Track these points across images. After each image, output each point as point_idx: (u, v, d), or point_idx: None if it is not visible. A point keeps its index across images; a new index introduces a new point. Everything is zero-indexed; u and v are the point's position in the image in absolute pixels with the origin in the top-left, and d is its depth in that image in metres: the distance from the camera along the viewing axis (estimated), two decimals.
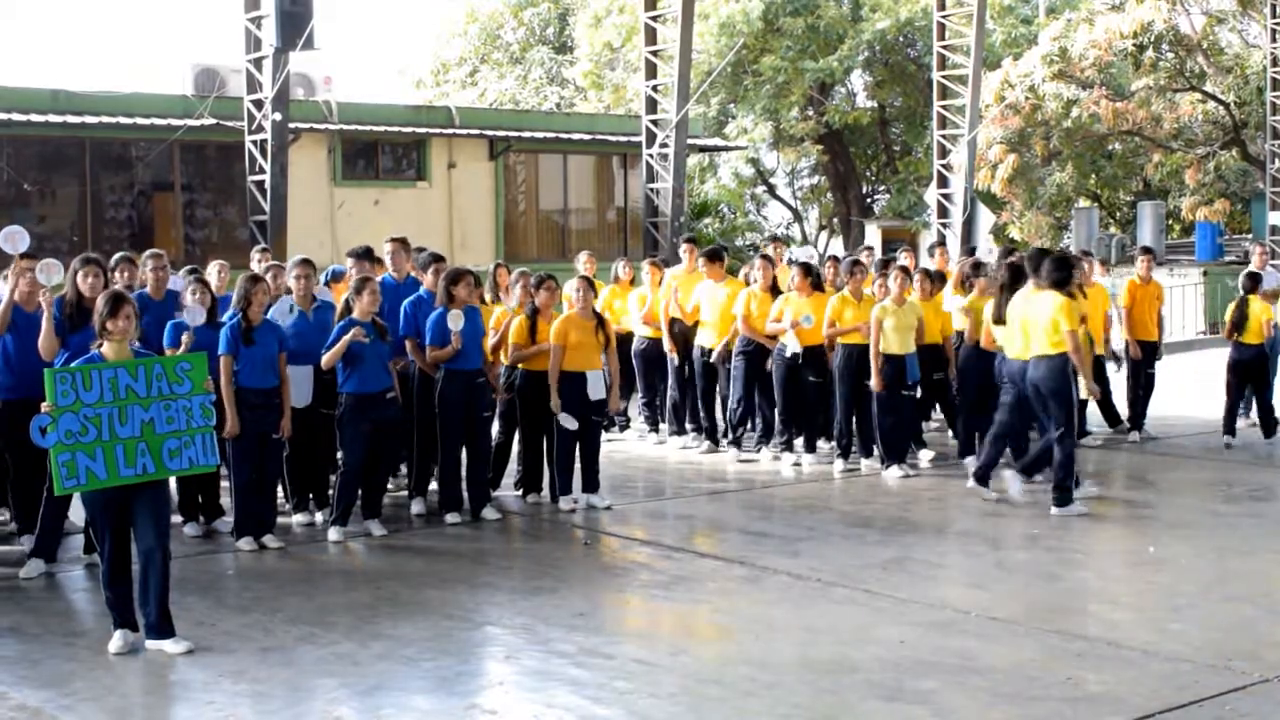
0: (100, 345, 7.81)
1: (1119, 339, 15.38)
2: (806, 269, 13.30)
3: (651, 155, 21.98)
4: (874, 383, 12.70)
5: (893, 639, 7.86)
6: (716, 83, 32.43)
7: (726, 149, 33.51)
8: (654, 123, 22.00)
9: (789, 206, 44.33)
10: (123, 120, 19.12)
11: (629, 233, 24.08)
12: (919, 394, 13.43)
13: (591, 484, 11.60)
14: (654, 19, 22.25)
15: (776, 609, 8.62)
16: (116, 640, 7.63)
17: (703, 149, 29.80)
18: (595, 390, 11.48)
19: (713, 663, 7.56)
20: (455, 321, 10.76)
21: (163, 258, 11.20)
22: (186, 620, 7.86)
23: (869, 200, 42.23)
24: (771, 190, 43.70)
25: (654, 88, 22.19)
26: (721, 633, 8.26)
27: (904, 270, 13.57)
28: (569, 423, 11.31)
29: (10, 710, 6.79)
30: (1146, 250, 16.02)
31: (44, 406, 7.43)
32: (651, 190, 22.08)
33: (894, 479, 12.71)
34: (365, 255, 12.01)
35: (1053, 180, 34.45)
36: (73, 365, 7.73)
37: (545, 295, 11.65)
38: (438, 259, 11.77)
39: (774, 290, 13.50)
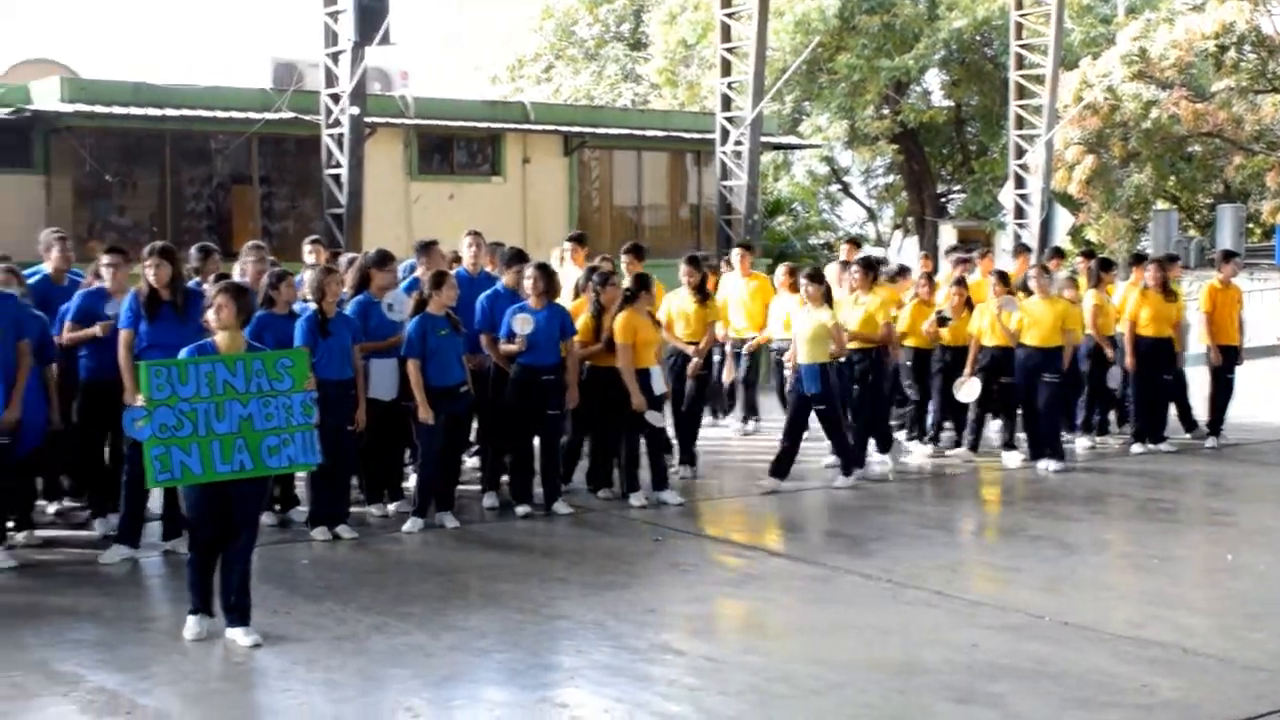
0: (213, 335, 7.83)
1: (1199, 343, 15.20)
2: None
3: (725, 152, 21.96)
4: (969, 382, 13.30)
5: (964, 641, 7.82)
6: (791, 80, 32.30)
7: (800, 147, 33.38)
8: (728, 120, 21.97)
9: (863, 205, 44.13)
10: (202, 113, 19.31)
11: (702, 230, 24.05)
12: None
13: (661, 481, 11.61)
14: (729, 16, 22.21)
15: (846, 609, 8.59)
16: (192, 626, 7.73)
17: (777, 147, 29.71)
18: (658, 385, 11.52)
19: (782, 661, 7.54)
20: (523, 326, 10.80)
21: (263, 249, 11.33)
22: (262, 609, 7.93)
23: (943, 200, 41.95)
24: (846, 189, 43.51)
25: (729, 85, 22.16)
26: (790, 632, 8.25)
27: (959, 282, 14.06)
28: (656, 420, 11.34)
29: (88, 693, 6.89)
30: (1231, 254, 15.83)
31: (139, 399, 7.48)
32: (725, 188, 22.06)
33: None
34: (425, 249, 12.03)
35: (1131, 182, 34.06)
36: (180, 357, 7.72)
37: (610, 292, 11.67)
38: (520, 256, 11.81)
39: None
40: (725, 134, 22.09)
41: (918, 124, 37.52)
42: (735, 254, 15.20)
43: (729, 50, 22.29)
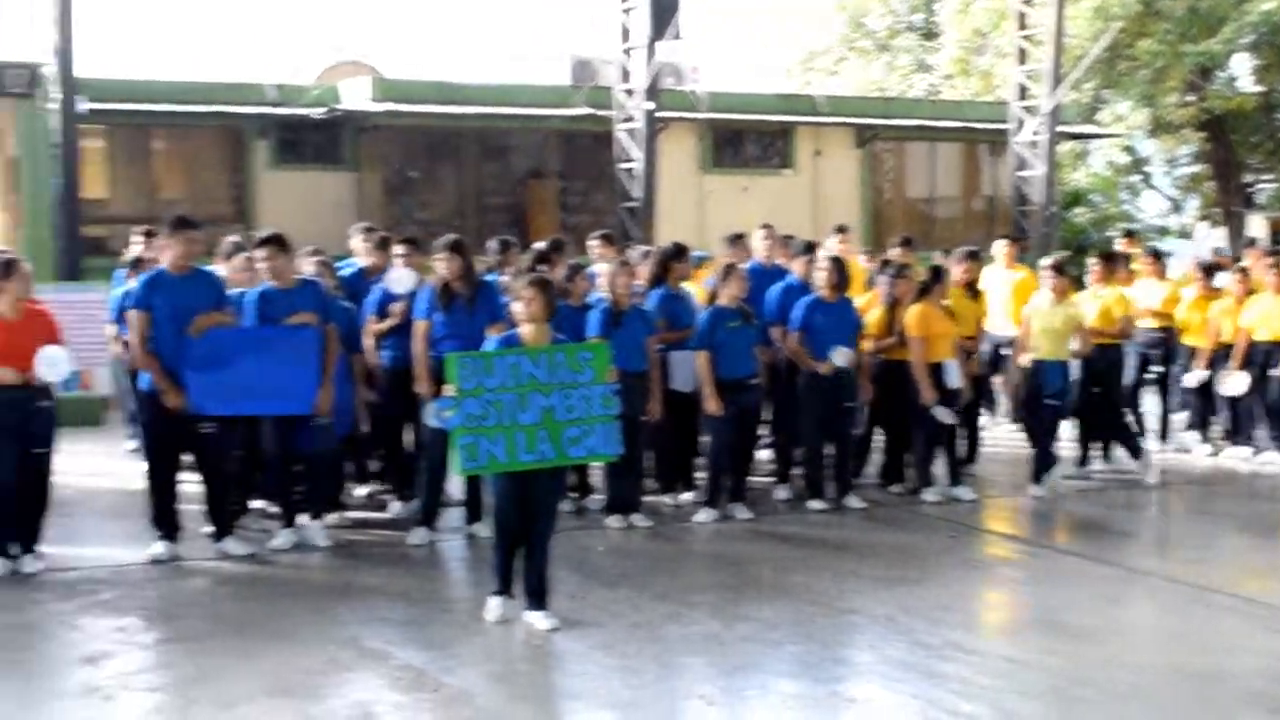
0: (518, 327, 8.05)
1: None
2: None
3: (1021, 143, 21.53)
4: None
5: (1273, 649, 7.51)
6: (1090, 68, 31.36)
7: (1099, 136, 32.45)
8: (1024, 109, 21.54)
9: (1166, 196, 42.59)
10: (503, 110, 19.84)
11: (996, 222, 23.60)
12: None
13: (955, 476, 11.46)
14: (1025, 3, 21.76)
15: (1145, 611, 8.37)
16: (494, 608, 7.96)
17: (1074, 136, 28.94)
18: (952, 379, 11.34)
19: (1083, 663, 7.36)
20: (843, 359, 10.75)
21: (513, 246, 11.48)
22: (560, 594, 8.11)
23: (1250, 190, 40.17)
24: (1147, 179, 42.06)
25: (1025, 73, 21.71)
26: (1089, 633, 8.02)
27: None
28: (946, 416, 11.19)
29: (396, 669, 7.17)
30: None
31: (447, 389, 7.77)
32: (1020, 179, 21.64)
33: None
34: (734, 241, 12.15)
35: None
36: (486, 350, 7.99)
37: (904, 285, 11.56)
38: (811, 249, 11.82)
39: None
40: (1021, 124, 21.66)
41: (1224, 111, 36.01)
42: (999, 246, 14.56)
43: (1025, 38, 21.85)
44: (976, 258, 12.71)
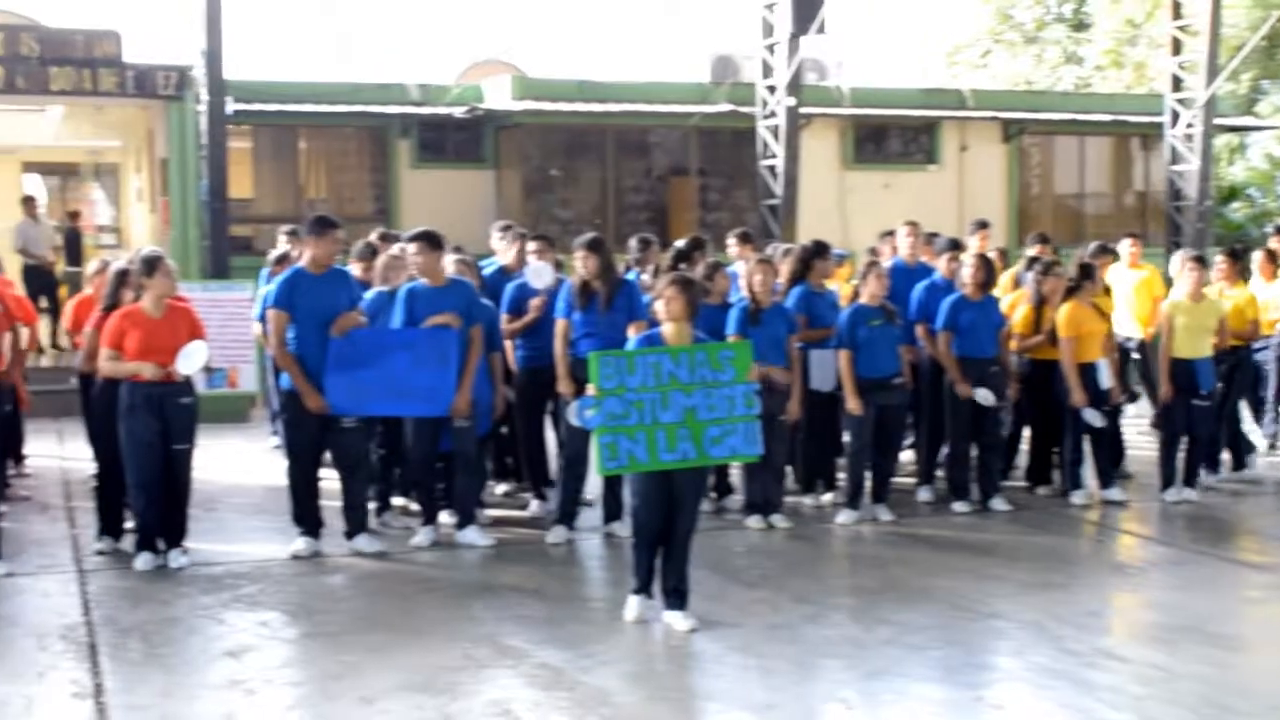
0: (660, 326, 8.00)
1: None
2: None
3: (1175, 136, 20.98)
4: None
5: None
6: (1248, 58, 30.54)
7: (1258, 129, 31.54)
8: (1179, 102, 20.98)
9: None
10: (642, 108, 19.82)
11: (1148, 218, 23.04)
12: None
13: (1105, 478, 11.18)
14: None
15: None
16: (633, 606, 7.91)
17: (1231, 129, 28.13)
18: (1104, 380, 11.06)
19: (1236, 673, 7.13)
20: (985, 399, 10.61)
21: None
22: (698, 594, 8.02)
23: None
24: None
25: (1179, 65, 21.16)
26: (1242, 642, 7.77)
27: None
28: (1096, 419, 10.91)
29: (533, 668, 7.15)
30: None
31: (589, 389, 7.73)
32: (1174, 173, 21.08)
33: None
34: (885, 239, 11.96)
35: None
36: (628, 349, 7.96)
37: (1052, 283, 11.30)
38: (956, 246, 11.62)
39: None
40: (1175, 117, 21.09)
41: None
42: (1124, 244, 13.89)
43: (1180, 28, 21.27)
44: (1110, 253, 12.40)
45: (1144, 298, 13.50)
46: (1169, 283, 12.71)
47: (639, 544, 7.92)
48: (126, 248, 20.29)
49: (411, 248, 9.57)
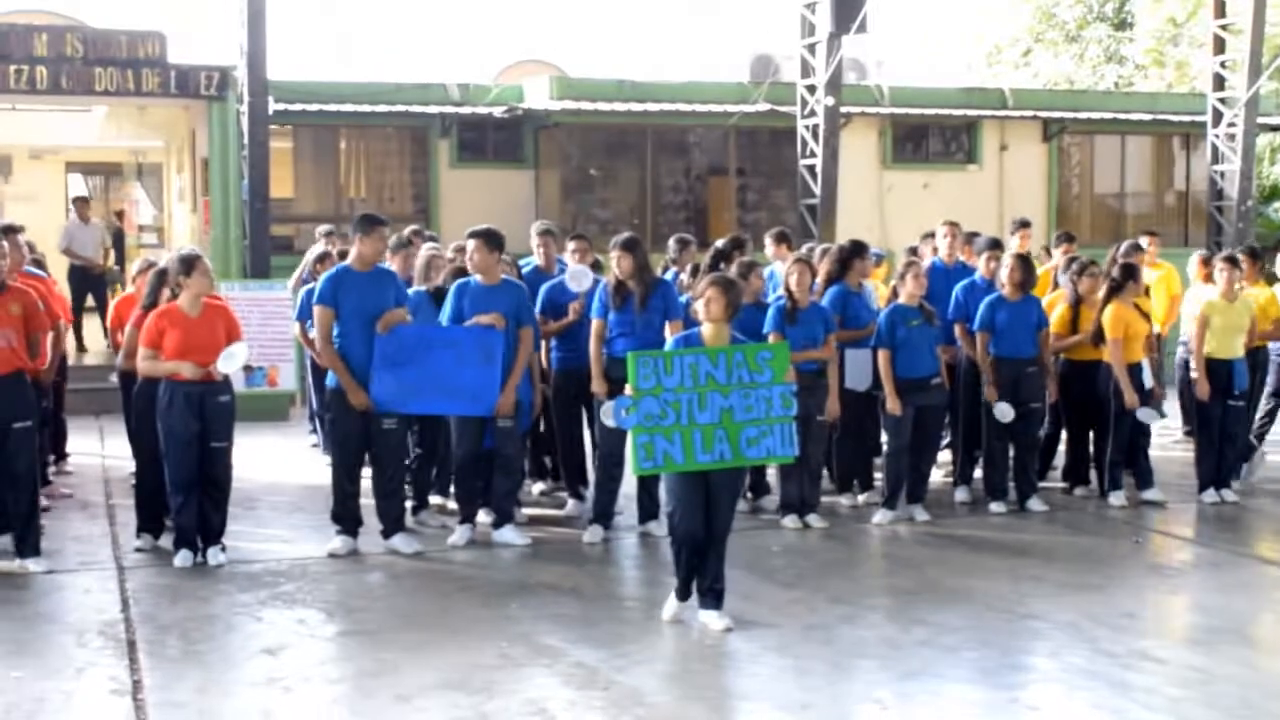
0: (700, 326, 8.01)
1: None
2: None
3: (1217, 135, 20.84)
4: None
5: None
6: None
7: None
8: (1221, 101, 20.84)
9: None
10: (681, 107, 19.82)
11: (1190, 218, 22.89)
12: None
13: (1145, 479, 11.12)
14: None
15: None
16: (670, 606, 7.92)
17: (1274, 128, 27.90)
18: (1147, 379, 11.05)
19: (1277, 677, 7.08)
20: (1003, 415, 10.59)
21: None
22: (734, 594, 8.02)
23: None
24: None
25: (1221, 63, 21.02)
26: None
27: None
28: (1149, 416, 10.86)
29: (569, 666, 7.17)
30: None
31: (626, 388, 7.75)
32: (1216, 173, 20.94)
33: None
34: (926, 239, 11.92)
35: None
36: (666, 349, 7.97)
37: (1088, 283, 11.26)
38: (996, 245, 11.59)
39: None
40: (1218, 116, 20.95)
41: None
42: (1142, 241, 13.78)
43: (1222, 27, 21.12)
44: (1142, 251, 12.34)
45: (1160, 295, 13.53)
46: (1186, 282, 12.67)
47: (678, 551, 7.90)
48: (168, 247, 20.41)
49: (470, 244, 9.60)
